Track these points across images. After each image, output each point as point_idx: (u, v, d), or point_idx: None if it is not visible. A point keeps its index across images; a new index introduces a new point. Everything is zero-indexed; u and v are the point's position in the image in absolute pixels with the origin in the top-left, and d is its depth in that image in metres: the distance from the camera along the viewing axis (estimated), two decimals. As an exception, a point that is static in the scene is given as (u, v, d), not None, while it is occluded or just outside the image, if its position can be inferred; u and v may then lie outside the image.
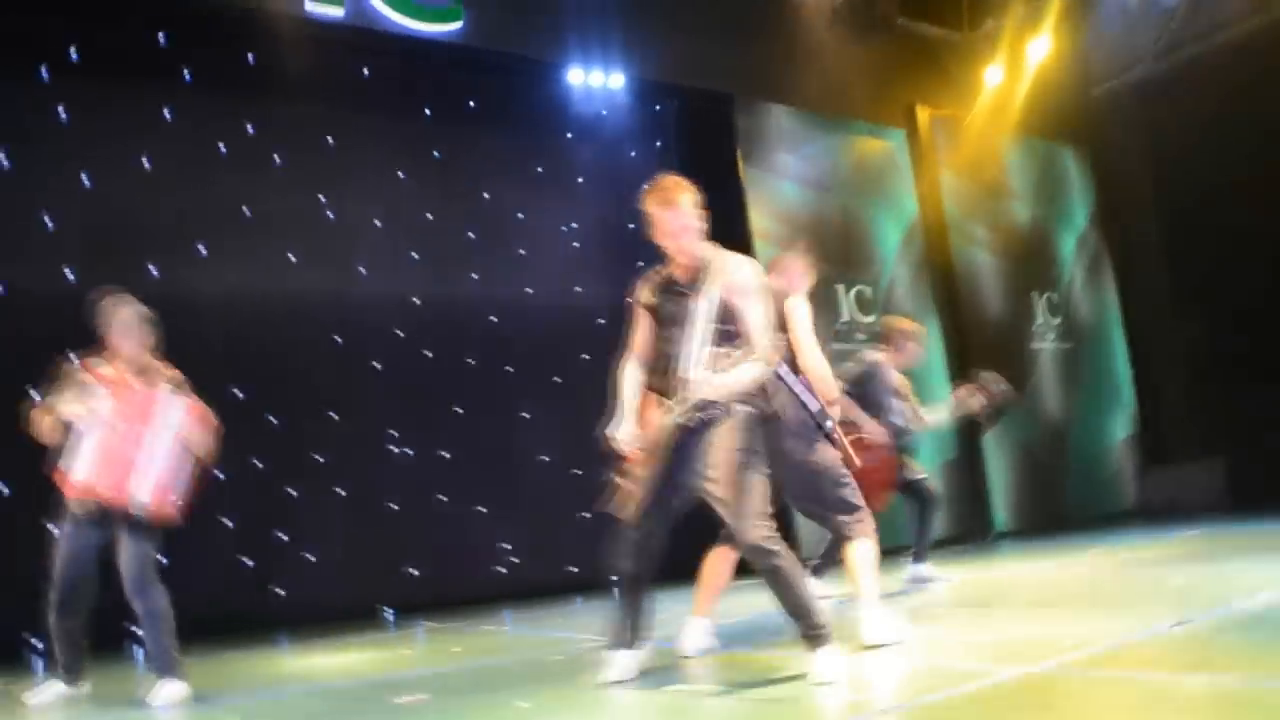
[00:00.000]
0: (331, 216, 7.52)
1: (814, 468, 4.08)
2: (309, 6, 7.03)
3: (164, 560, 4.19)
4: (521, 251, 8.24)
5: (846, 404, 5.69)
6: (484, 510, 7.64)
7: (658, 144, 8.97)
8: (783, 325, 4.09)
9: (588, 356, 8.02)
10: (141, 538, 4.02)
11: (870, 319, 9.14)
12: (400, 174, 7.84)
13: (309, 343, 7.22)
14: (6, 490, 5.98)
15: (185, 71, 7.03)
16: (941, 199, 9.96)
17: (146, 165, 6.79)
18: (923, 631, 4.16)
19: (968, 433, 9.25)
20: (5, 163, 6.38)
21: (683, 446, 3.42)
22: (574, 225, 8.55)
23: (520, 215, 8.28)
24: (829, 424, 4.12)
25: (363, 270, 7.60)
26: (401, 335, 7.63)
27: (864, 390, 5.76)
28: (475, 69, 8.10)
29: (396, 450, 7.47)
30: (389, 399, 7.46)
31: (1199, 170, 9.92)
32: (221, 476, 5.72)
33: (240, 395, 6.53)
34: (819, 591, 4.68)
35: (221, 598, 6.40)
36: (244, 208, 7.12)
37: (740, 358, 3.32)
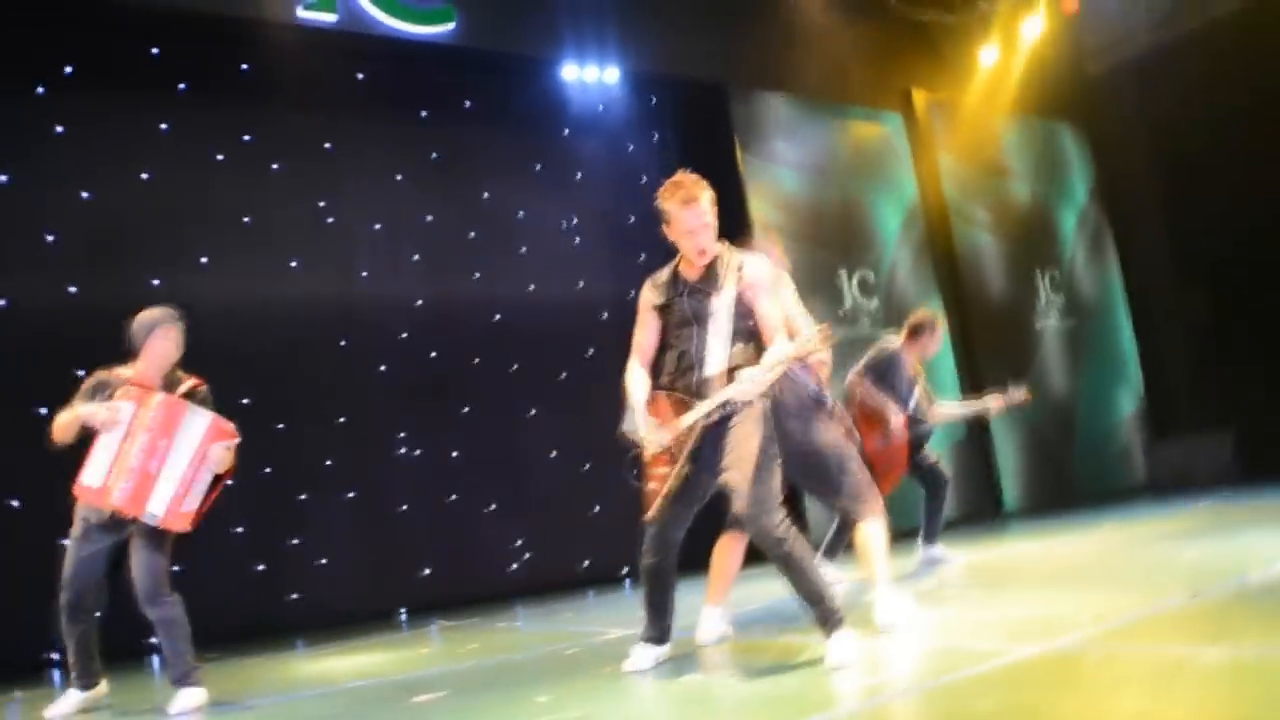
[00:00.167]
0: (332, 221, 7.53)
1: (817, 448, 4.08)
2: (301, 13, 7.01)
3: (177, 568, 4.20)
4: (523, 249, 8.24)
5: (868, 391, 5.69)
6: (493, 508, 7.66)
7: (655, 136, 8.97)
8: None
9: (593, 351, 8.04)
10: (154, 547, 4.02)
11: (873, 304, 9.13)
12: (399, 176, 7.85)
13: (313, 348, 7.24)
14: (17, 504, 6.00)
15: (180, 83, 7.03)
16: (941, 181, 9.95)
17: (145, 176, 6.81)
18: (937, 612, 4.16)
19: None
20: (4, 178, 6.40)
21: (705, 443, 3.42)
22: (574, 221, 8.56)
23: (520, 213, 8.28)
24: (828, 401, 4.13)
25: (365, 274, 7.61)
26: (406, 337, 7.65)
27: (883, 375, 5.75)
28: (469, 69, 8.10)
29: (404, 451, 7.49)
30: (395, 401, 7.48)
31: (1197, 143, 9.91)
32: (230, 483, 5.72)
33: (246, 402, 6.53)
34: (832, 577, 4.69)
35: (236, 604, 6.44)
36: (244, 216, 7.15)
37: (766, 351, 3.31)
